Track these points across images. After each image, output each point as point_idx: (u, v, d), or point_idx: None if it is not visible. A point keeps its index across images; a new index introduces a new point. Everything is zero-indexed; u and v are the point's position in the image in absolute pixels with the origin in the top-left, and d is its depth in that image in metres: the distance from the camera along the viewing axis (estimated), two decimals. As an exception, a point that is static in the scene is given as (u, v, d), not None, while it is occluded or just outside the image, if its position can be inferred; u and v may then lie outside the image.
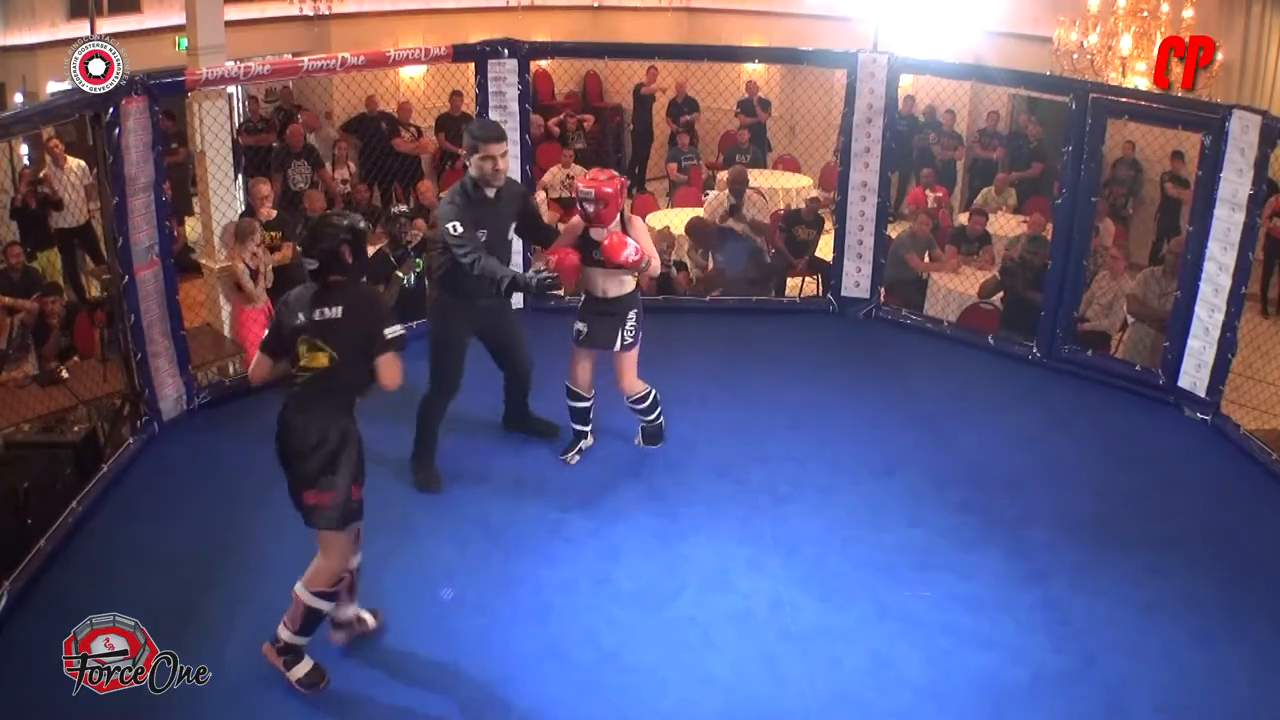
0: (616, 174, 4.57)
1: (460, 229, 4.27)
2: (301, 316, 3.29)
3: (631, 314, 4.54)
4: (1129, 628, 3.81)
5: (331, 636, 3.57)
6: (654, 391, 4.70)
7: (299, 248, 3.42)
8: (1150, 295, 6.06)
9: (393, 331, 3.31)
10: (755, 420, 5.19)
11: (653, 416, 4.80)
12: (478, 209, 4.37)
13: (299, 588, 3.38)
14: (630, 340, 4.54)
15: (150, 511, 4.39)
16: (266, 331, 3.44)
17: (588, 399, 4.71)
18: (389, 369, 3.31)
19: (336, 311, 3.27)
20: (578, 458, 4.77)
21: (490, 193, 4.39)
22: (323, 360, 3.27)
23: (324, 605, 3.39)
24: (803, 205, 8.77)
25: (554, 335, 6.30)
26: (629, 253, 4.27)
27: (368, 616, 3.66)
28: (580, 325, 4.61)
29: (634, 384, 4.62)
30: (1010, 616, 3.85)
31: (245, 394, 5.38)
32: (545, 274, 4.25)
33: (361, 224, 3.38)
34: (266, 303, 6.54)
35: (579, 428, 4.78)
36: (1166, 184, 9.24)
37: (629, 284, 4.54)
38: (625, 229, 4.43)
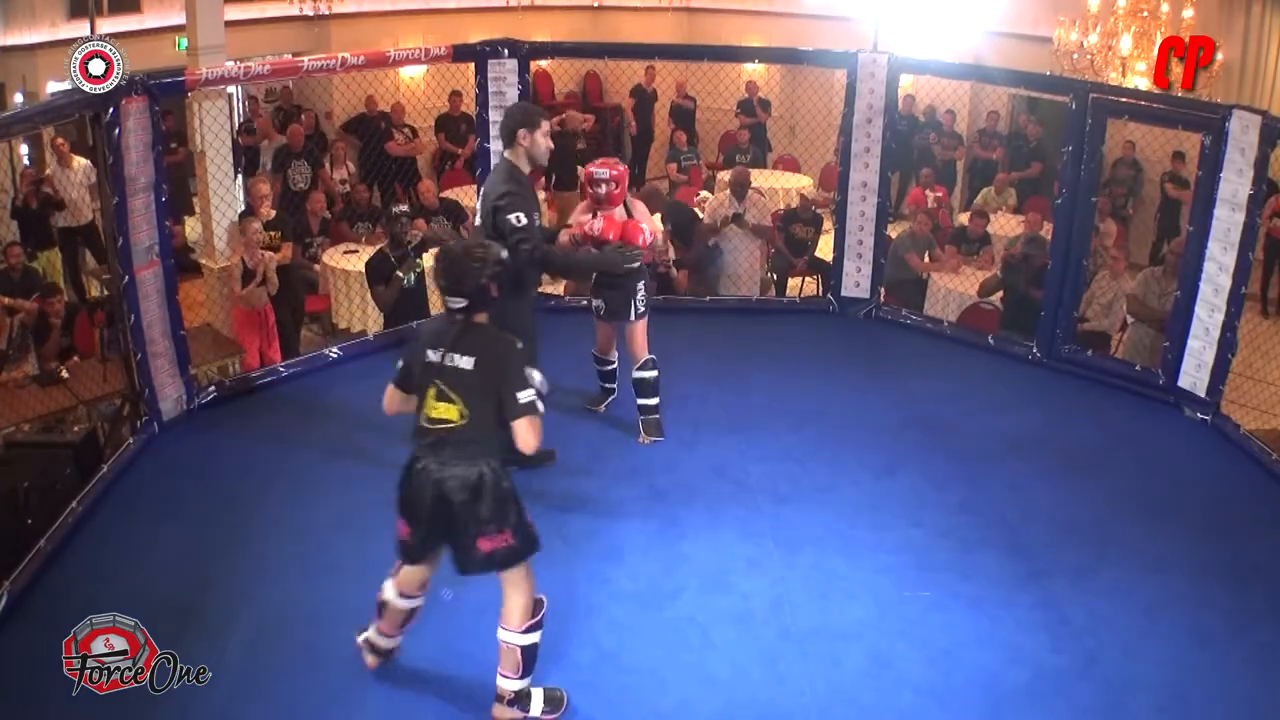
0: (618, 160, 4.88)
1: (524, 220, 4.14)
2: (434, 355, 3.08)
3: (640, 285, 4.85)
4: (1129, 628, 3.81)
5: (367, 659, 3.50)
6: (655, 359, 4.91)
7: (440, 283, 3.08)
8: (1150, 295, 6.06)
9: (526, 396, 3.06)
10: (755, 420, 5.19)
11: (654, 401, 4.96)
12: (527, 194, 4.27)
13: (506, 635, 3.22)
14: (642, 310, 4.86)
15: (150, 511, 4.38)
16: (400, 364, 3.20)
17: (612, 361, 5.22)
18: (525, 435, 3.06)
19: (468, 363, 3.04)
20: (604, 409, 5.23)
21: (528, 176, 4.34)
22: (453, 415, 3.06)
23: (537, 637, 3.25)
24: (798, 204, 8.76)
25: (556, 331, 6.32)
26: (644, 236, 4.64)
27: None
28: (598, 302, 4.97)
29: (642, 350, 4.90)
30: (1010, 616, 3.85)
31: (245, 394, 5.40)
32: (627, 248, 4.28)
33: (504, 254, 3.19)
34: (267, 306, 6.53)
35: (606, 385, 5.30)
36: (1167, 184, 9.25)
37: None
38: (629, 212, 4.74)
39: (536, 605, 3.27)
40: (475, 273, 3.04)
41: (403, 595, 3.38)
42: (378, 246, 6.76)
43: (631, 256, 4.48)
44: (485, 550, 3.14)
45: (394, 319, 6.32)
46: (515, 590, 3.23)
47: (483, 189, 4.43)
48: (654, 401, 4.95)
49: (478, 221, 4.37)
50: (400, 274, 6.24)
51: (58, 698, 3.09)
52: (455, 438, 3.09)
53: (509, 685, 3.27)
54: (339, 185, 8.90)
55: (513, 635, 3.22)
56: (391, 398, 3.26)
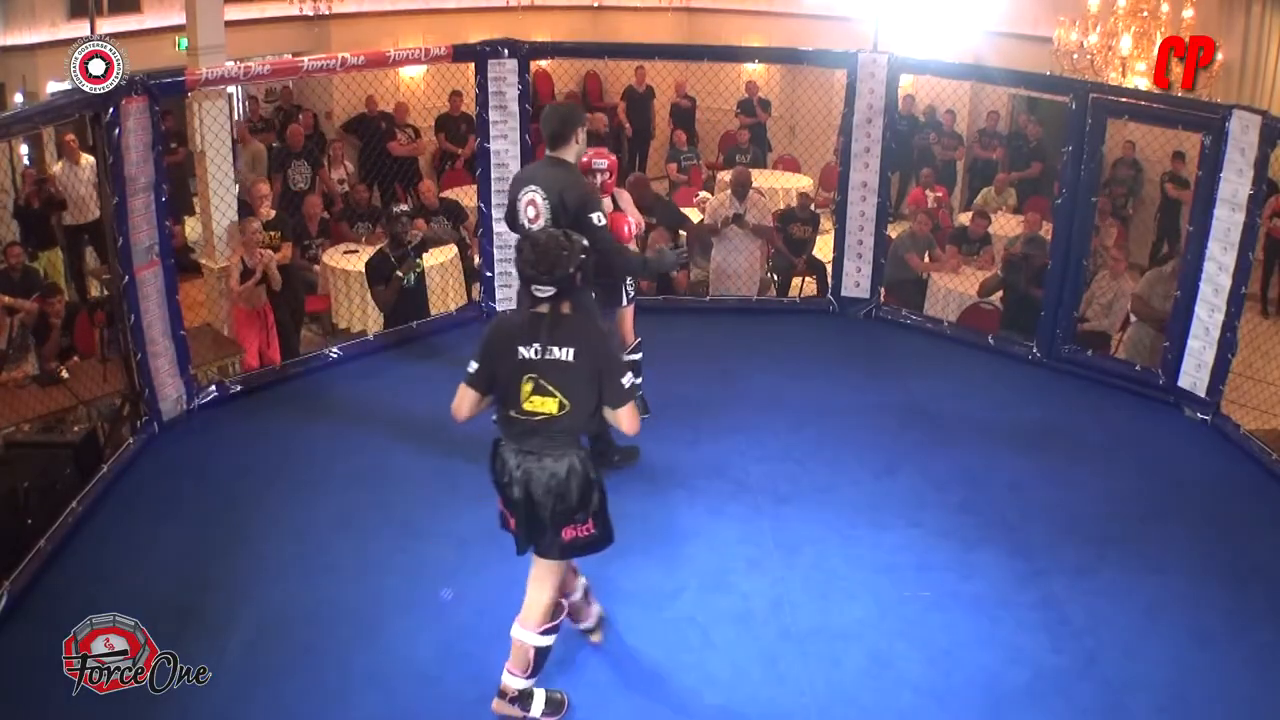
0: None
1: (603, 220, 4.14)
2: (527, 351, 3.03)
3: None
4: (1129, 628, 3.81)
5: (592, 639, 3.63)
6: (641, 341, 4.92)
7: (529, 271, 3.00)
8: (1155, 296, 6.06)
9: (627, 381, 3.07)
10: (755, 420, 5.19)
11: (638, 380, 4.91)
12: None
13: (522, 633, 3.22)
14: (632, 294, 4.85)
15: (150, 511, 4.39)
16: (474, 365, 3.12)
17: None
18: (629, 420, 3.09)
19: (568, 354, 3.02)
20: None
21: None
22: (551, 407, 3.03)
23: (551, 640, 3.27)
24: (795, 204, 8.75)
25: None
26: (629, 228, 4.73)
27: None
28: (592, 292, 4.88)
29: (631, 335, 4.91)
30: (1010, 616, 3.85)
31: (245, 394, 5.40)
32: (679, 249, 4.46)
33: (587, 242, 3.16)
34: (265, 306, 6.52)
35: None
36: (1167, 184, 9.24)
37: None
38: (616, 203, 4.83)
39: (557, 609, 3.28)
40: (564, 261, 3.01)
41: (565, 594, 3.42)
42: (378, 246, 6.76)
43: (682, 255, 4.83)
44: (567, 539, 3.16)
45: (393, 319, 6.32)
46: (542, 589, 3.24)
47: (541, 185, 4.23)
48: (640, 380, 4.91)
49: (538, 217, 4.20)
50: (400, 274, 6.24)
51: (58, 698, 3.09)
52: (550, 428, 3.08)
53: (514, 683, 3.27)
54: (338, 185, 8.90)
55: (529, 635, 3.23)
56: (466, 400, 3.14)
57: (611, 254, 4.18)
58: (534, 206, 4.22)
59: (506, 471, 3.14)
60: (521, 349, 3.03)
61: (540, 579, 3.23)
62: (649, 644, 3.67)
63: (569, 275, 3.02)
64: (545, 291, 3.02)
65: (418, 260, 6.40)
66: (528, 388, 3.04)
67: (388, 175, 8.93)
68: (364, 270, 6.61)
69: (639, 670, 3.56)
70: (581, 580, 3.53)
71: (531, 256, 3.01)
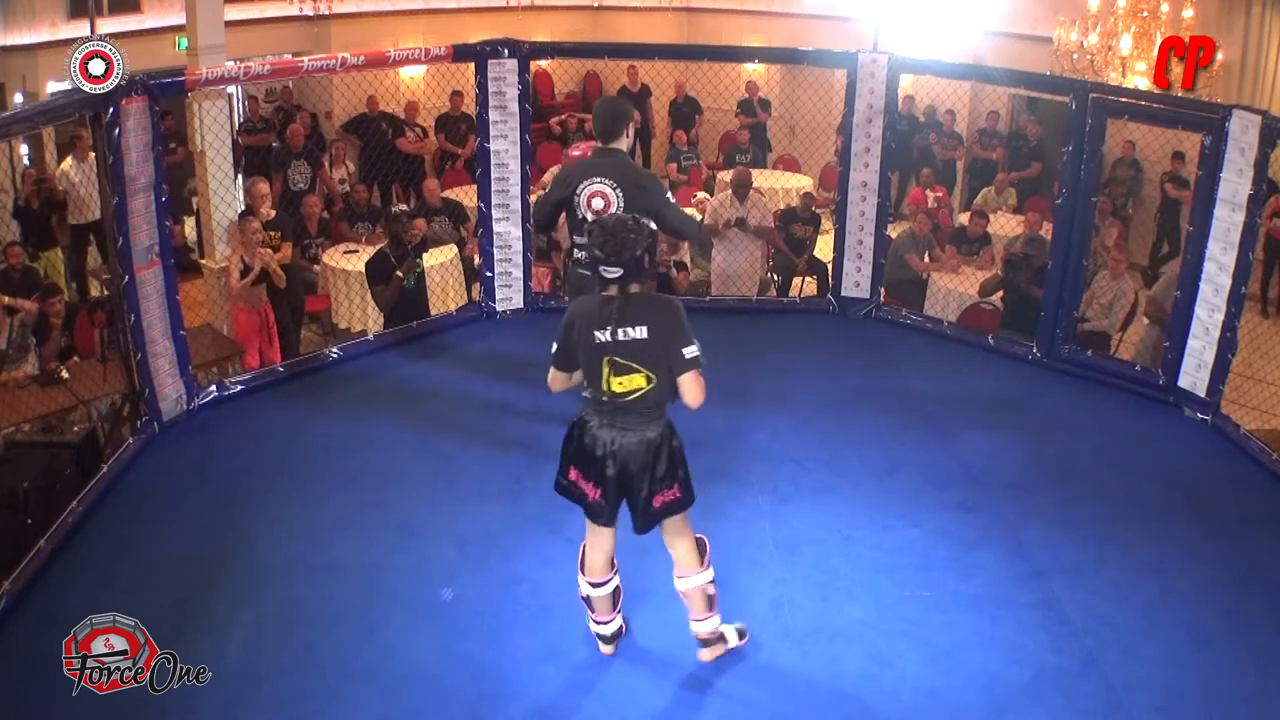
0: None
1: (673, 197, 4.51)
2: (602, 335, 3.15)
3: None
4: (1129, 628, 3.81)
5: (602, 649, 3.61)
6: None
7: (598, 253, 3.11)
8: (1168, 300, 6.04)
9: (691, 351, 3.18)
10: (755, 420, 5.19)
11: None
12: None
13: (690, 580, 3.41)
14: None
15: (150, 511, 4.39)
16: (555, 346, 3.26)
17: None
18: (693, 389, 3.17)
19: (641, 332, 3.14)
20: None
21: None
22: (639, 382, 3.16)
23: (713, 572, 3.45)
24: (797, 204, 8.76)
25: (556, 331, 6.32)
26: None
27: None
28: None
29: None
30: (1010, 616, 3.85)
31: (245, 394, 5.40)
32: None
33: (654, 226, 3.24)
34: (266, 306, 6.53)
35: None
36: (1167, 184, 9.25)
37: None
38: None
39: (701, 544, 3.44)
40: (633, 244, 3.10)
41: (596, 585, 3.47)
42: (378, 246, 6.77)
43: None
44: (657, 505, 3.29)
45: (393, 319, 6.32)
46: (681, 538, 3.39)
47: (607, 176, 4.37)
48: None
49: (608, 206, 4.33)
50: (400, 274, 6.24)
51: (58, 698, 3.09)
52: (641, 404, 3.20)
53: (707, 626, 3.47)
54: (339, 184, 8.90)
55: (696, 577, 3.40)
56: (557, 379, 3.31)
57: (686, 226, 4.63)
58: (602, 198, 4.35)
59: (599, 446, 3.25)
60: (598, 333, 3.15)
61: (676, 530, 3.39)
62: (649, 644, 3.67)
63: (637, 258, 3.11)
64: (613, 273, 3.11)
65: (418, 260, 6.40)
66: (608, 370, 3.15)
67: (391, 174, 8.96)
68: (364, 270, 6.61)
69: (639, 670, 3.56)
70: (616, 580, 3.54)
71: (600, 239, 3.12)
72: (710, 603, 3.46)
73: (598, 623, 3.57)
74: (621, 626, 3.62)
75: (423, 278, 6.49)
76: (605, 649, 3.60)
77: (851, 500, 4.55)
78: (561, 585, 3.95)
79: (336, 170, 9.08)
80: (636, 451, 3.23)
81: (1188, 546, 4.30)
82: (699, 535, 3.46)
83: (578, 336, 3.20)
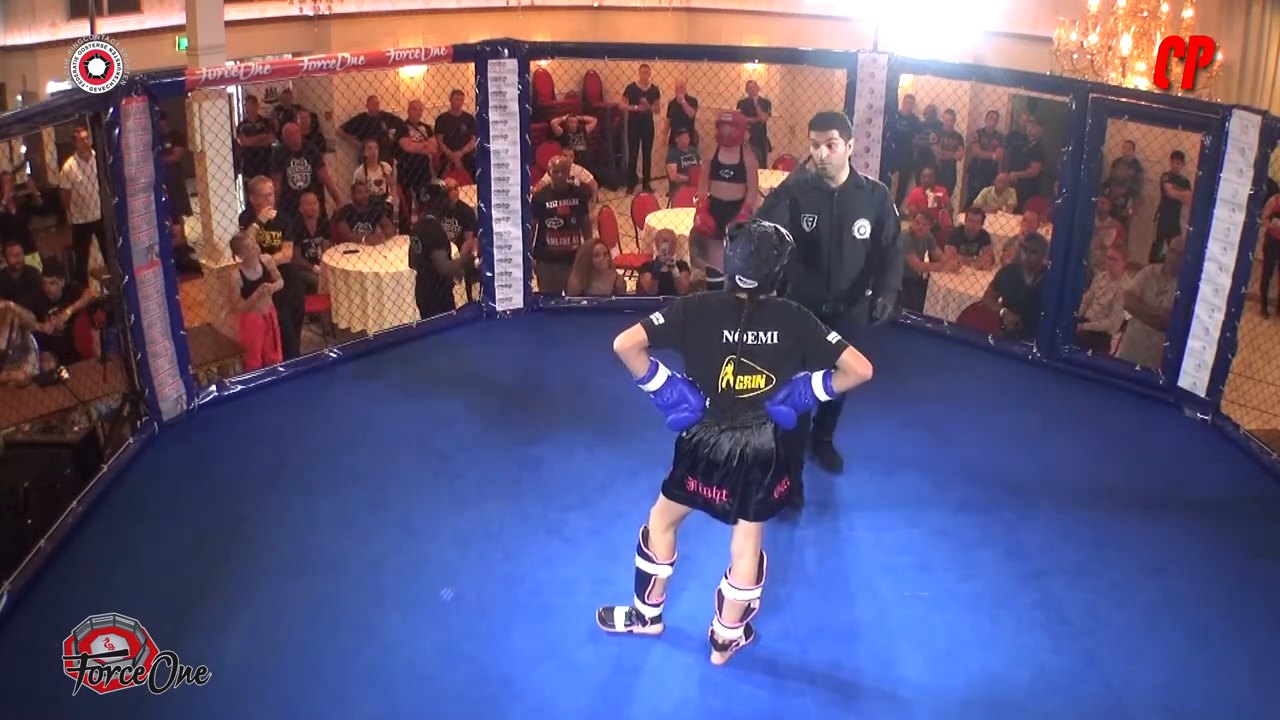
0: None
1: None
2: (731, 335, 3.19)
3: None
4: (1129, 628, 3.81)
5: (650, 630, 3.68)
6: None
7: (739, 265, 3.15)
8: (1149, 293, 6.06)
9: (834, 336, 3.21)
10: (755, 420, 5.18)
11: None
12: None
13: (740, 592, 3.45)
14: None
15: (150, 511, 4.38)
16: (660, 320, 3.23)
17: None
18: (857, 362, 3.19)
19: (773, 337, 3.20)
20: None
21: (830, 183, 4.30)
22: (759, 383, 3.22)
23: (760, 591, 3.52)
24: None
25: (556, 331, 6.32)
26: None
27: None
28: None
29: None
30: (1010, 616, 3.85)
31: (245, 394, 5.40)
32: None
33: (791, 238, 3.26)
34: (271, 308, 6.52)
35: None
36: (1166, 184, 9.25)
37: None
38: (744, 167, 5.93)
39: (761, 559, 3.49)
40: (774, 260, 3.16)
41: (666, 564, 3.54)
42: (378, 243, 6.88)
43: None
44: (777, 495, 3.39)
45: (428, 309, 6.43)
46: (753, 544, 3.43)
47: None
48: None
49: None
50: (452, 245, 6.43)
51: (58, 698, 3.09)
52: (758, 402, 3.26)
53: (732, 634, 3.55)
54: (374, 185, 8.85)
55: (748, 591, 3.46)
56: (634, 340, 3.22)
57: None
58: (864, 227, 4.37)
59: (721, 451, 3.29)
60: (726, 333, 3.19)
61: (748, 537, 3.41)
62: (649, 644, 3.67)
63: (774, 274, 3.18)
64: (749, 284, 3.16)
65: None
66: (729, 369, 3.20)
67: (403, 173, 8.99)
68: (417, 239, 6.85)
69: (639, 670, 3.56)
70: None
71: (745, 252, 3.15)
72: (745, 615, 3.53)
73: (652, 605, 3.60)
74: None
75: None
76: (654, 629, 3.66)
77: (852, 500, 4.55)
78: (561, 585, 3.95)
79: (372, 172, 9.03)
80: (757, 445, 3.30)
81: (1188, 547, 4.30)
82: (761, 550, 3.49)
83: (693, 332, 3.22)
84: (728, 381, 3.22)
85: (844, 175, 4.29)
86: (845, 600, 3.92)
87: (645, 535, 3.55)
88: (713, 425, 3.31)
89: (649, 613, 3.63)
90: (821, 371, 3.25)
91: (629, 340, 3.22)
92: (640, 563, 3.54)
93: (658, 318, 3.23)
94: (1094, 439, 5.18)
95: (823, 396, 3.28)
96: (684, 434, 3.35)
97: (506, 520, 4.35)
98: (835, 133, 4.19)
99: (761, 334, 3.19)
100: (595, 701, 3.42)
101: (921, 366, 5.93)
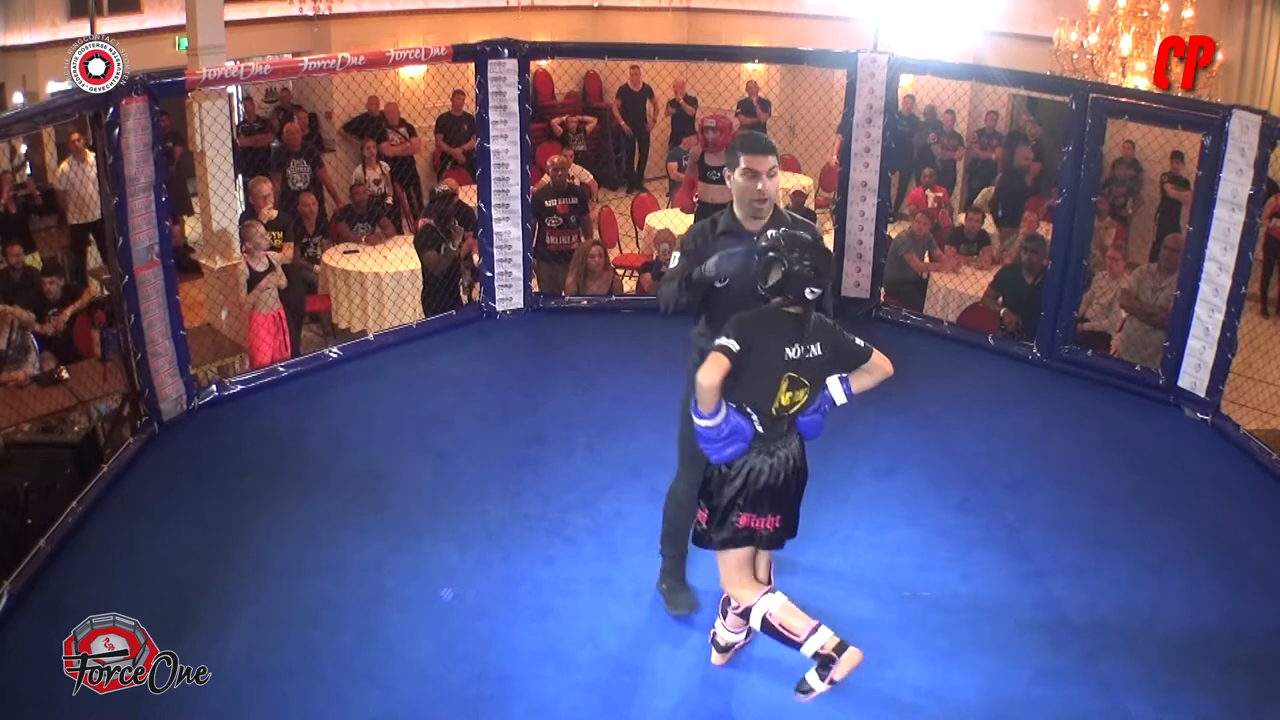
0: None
1: (676, 260, 3.49)
2: (792, 352, 3.08)
3: None
4: (1129, 628, 3.81)
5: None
6: None
7: (807, 272, 3.03)
8: (1144, 290, 6.06)
9: (859, 339, 3.21)
10: (755, 420, 5.18)
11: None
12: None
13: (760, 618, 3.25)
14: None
15: (150, 511, 4.38)
16: (736, 346, 3.00)
17: None
18: (885, 362, 3.23)
19: (818, 349, 3.12)
20: None
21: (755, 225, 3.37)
22: (802, 397, 3.15)
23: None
24: (789, 202, 8.75)
25: (556, 331, 6.32)
26: None
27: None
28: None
29: None
30: (1010, 616, 3.85)
31: (245, 394, 5.40)
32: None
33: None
34: (279, 307, 6.51)
35: None
36: (1166, 184, 9.25)
37: None
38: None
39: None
40: (829, 267, 3.13)
41: (774, 592, 3.28)
42: (425, 221, 6.98)
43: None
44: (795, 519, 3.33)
45: (431, 307, 6.45)
46: (769, 556, 3.42)
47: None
48: None
49: None
50: (451, 247, 6.40)
51: (58, 698, 3.09)
52: (794, 417, 3.21)
53: (734, 637, 3.52)
54: (373, 185, 8.85)
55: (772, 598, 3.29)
56: (724, 372, 2.98)
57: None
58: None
59: (771, 474, 3.18)
60: (788, 350, 3.08)
61: (769, 564, 3.42)
62: (649, 644, 3.67)
63: (829, 281, 3.13)
64: (815, 293, 3.06)
65: (450, 245, 6.60)
66: (784, 385, 3.10)
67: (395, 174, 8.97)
68: (413, 242, 6.93)
69: (639, 670, 3.56)
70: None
71: (813, 257, 3.04)
72: (746, 616, 3.36)
73: (809, 631, 3.14)
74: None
75: (455, 264, 6.74)
76: (844, 653, 3.14)
77: (851, 500, 4.55)
78: (561, 585, 3.96)
79: (370, 171, 9.03)
80: (799, 460, 3.26)
81: (1188, 546, 4.30)
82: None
83: (756, 353, 3.04)
84: (781, 401, 3.12)
85: (768, 214, 3.36)
86: (845, 600, 3.91)
87: (727, 602, 3.39)
88: (759, 450, 3.17)
89: (818, 640, 3.12)
90: (836, 375, 3.21)
91: (718, 373, 2.97)
92: (755, 624, 3.26)
93: (731, 343, 3.00)
94: (1094, 439, 5.18)
95: (841, 400, 3.24)
96: (725, 468, 3.18)
97: (506, 520, 4.35)
98: (775, 159, 3.32)
99: (813, 347, 3.12)
100: (595, 701, 3.42)
101: (921, 367, 5.93)
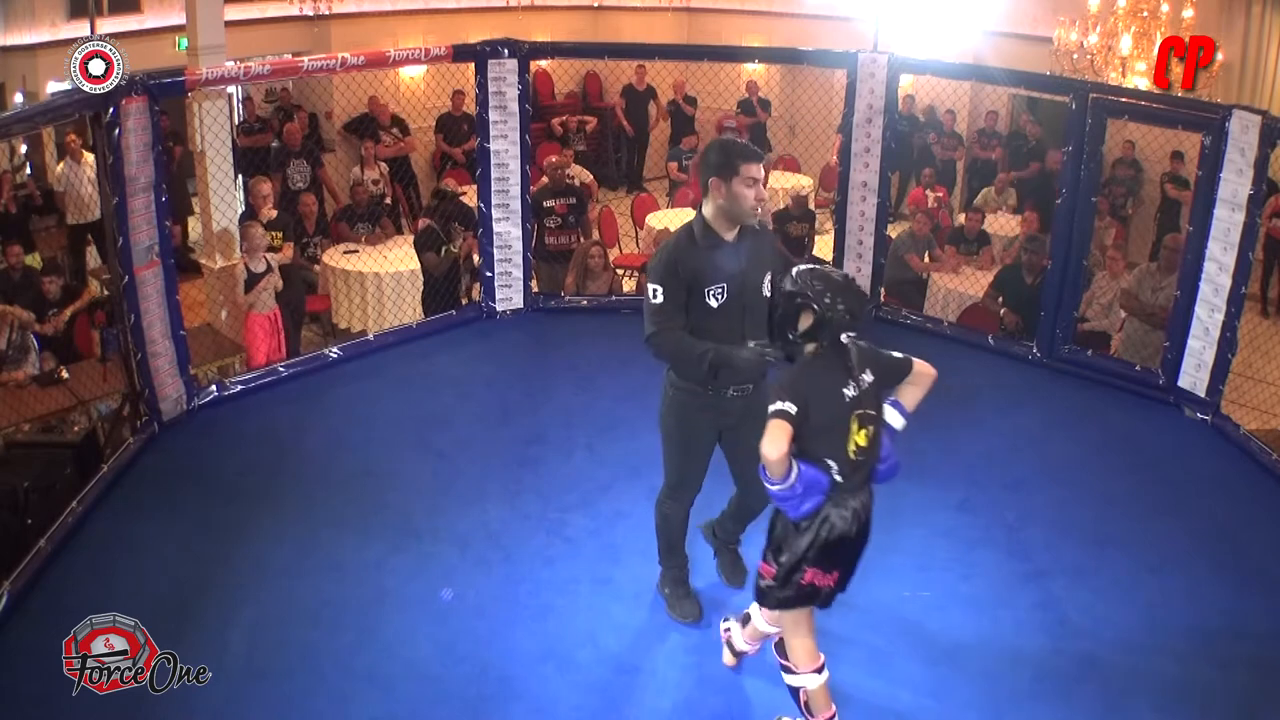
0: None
1: (659, 296, 3.29)
2: (850, 390, 2.91)
3: None
4: (1129, 628, 3.81)
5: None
6: None
7: (844, 312, 2.88)
8: (1144, 290, 6.07)
9: (896, 351, 3.08)
10: (755, 420, 5.18)
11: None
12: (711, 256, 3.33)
13: (773, 631, 3.30)
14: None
15: (150, 511, 4.39)
16: (794, 409, 2.82)
17: None
18: (927, 366, 3.12)
19: (870, 374, 2.97)
20: None
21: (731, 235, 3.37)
22: (875, 430, 2.97)
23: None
24: (790, 202, 8.75)
25: (556, 331, 6.31)
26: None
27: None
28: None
29: None
30: (1010, 616, 3.85)
31: (245, 394, 5.40)
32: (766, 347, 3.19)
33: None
34: (275, 308, 6.51)
35: None
36: (1166, 184, 9.24)
37: None
38: None
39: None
40: (864, 302, 3.01)
41: (821, 670, 3.18)
42: (426, 223, 6.97)
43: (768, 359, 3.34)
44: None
45: (431, 307, 6.44)
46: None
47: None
48: None
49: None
50: (452, 248, 6.40)
51: (58, 698, 3.09)
52: (870, 458, 3.02)
53: (748, 647, 3.45)
54: (372, 185, 8.84)
55: (779, 629, 3.26)
56: (785, 438, 2.80)
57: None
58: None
59: (842, 525, 3.02)
60: (845, 390, 2.92)
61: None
62: (649, 644, 3.67)
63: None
64: (856, 328, 2.95)
65: (450, 247, 6.59)
66: (855, 425, 2.93)
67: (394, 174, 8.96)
68: (413, 243, 6.93)
69: (639, 670, 3.56)
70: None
71: (840, 296, 2.88)
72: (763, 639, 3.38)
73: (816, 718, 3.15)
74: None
75: (456, 265, 6.73)
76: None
77: (851, 500, 4.54)
78: (561, 585, 3.96)
79: (369, 171, 9.02)
80: (866, 512, 3.09)
81: (1188, 546, 4.30)
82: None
83: (816, 406, 2.86)
84: (856, 443, 2.93)
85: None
86: (845, 600, 3.90)
87: (780, 648, 3.27)
88: (833, 500, 2.99)
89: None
90: (885, 401, 3.06)
91: (783, 442, 2.79)
92: (787, 678, 3.23)
93: (789, 406, 2.82)
94: (1094, 439, 5.18)
95: (900, 423, 3.09)
96: (801, 524, 3.01)
97: (506, 520, 4.35)
98: (760, 166, 3.35)
99: (864, 376, 2.96)
100: (595, 701, 3.42)
101: (921, 366, 5.93)
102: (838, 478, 2.95)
